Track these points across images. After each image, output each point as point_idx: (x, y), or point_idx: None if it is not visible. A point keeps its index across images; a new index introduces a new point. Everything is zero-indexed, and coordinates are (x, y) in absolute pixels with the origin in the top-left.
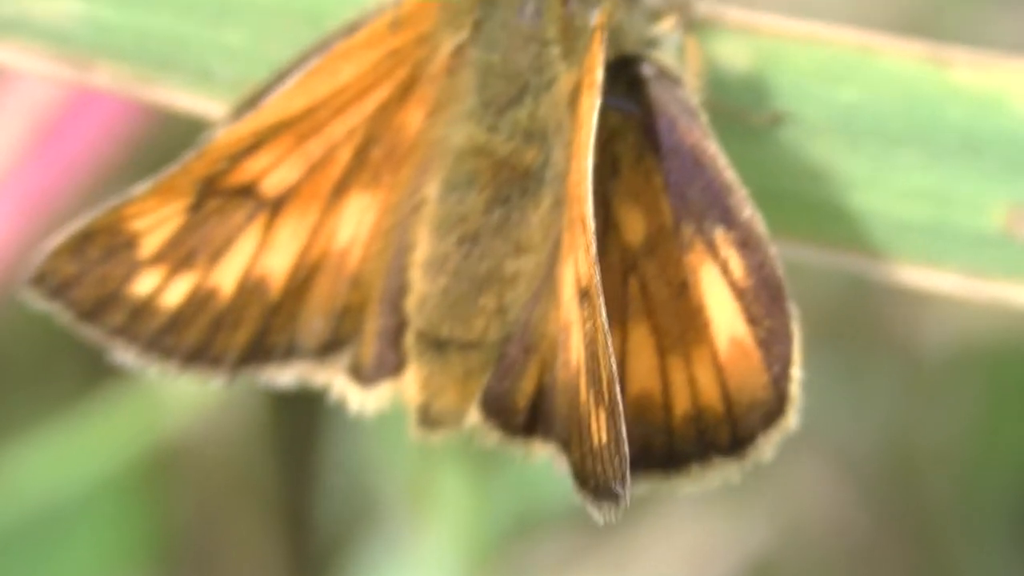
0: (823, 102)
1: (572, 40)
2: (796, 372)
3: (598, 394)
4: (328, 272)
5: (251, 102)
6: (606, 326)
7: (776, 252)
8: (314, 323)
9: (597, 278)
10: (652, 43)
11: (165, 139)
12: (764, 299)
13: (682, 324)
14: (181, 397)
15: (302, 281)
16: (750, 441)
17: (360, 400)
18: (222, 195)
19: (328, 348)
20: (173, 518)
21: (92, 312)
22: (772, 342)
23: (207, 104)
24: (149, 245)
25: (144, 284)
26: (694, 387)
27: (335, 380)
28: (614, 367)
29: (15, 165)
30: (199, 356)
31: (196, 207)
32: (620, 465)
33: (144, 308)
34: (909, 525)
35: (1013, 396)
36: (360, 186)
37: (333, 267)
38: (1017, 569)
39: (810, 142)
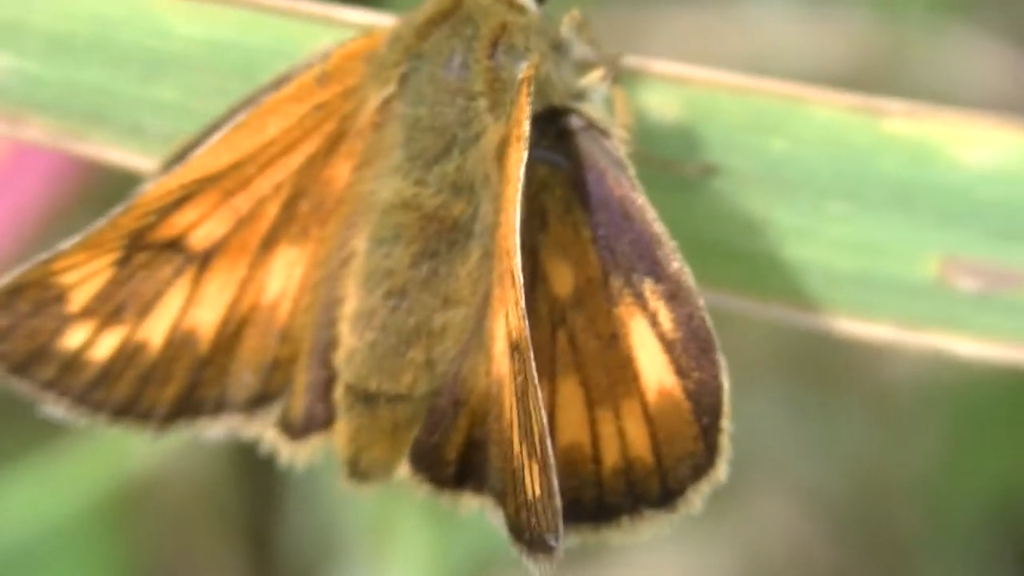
0: (754, 153)
1: (499, 93)
2: (726, 424)
3: (531, 447)
4: (257, 326)
5: (179, 156)
6: (535, 379)
7: (705, 304)
8: (244, 377)
9: (527, 332)
10: (580, 95)
11: (104, 192)
12: (693, 351)
13: (611, 376)
14: None
15: (231, 335)
16: (680, 493)
17: (290, 453)
18: (150, 249)
19: (258, 402)
20: (143, 553)
21: (22, 366)
22: (701, 394)
23: (139, 159)
24: (78, 299)
25: (73, 338)
26: (624, 439)
27: (265, 434)
28: (545, 421)
29: None
30: (128, 410)
31: (124, 261)
32: (553, 518)
33: (73, 362)
34: (878, 559)
35: (979, 431)
36: (288, 240)
37: (262, 321)
38: None
39: (741, 193)
